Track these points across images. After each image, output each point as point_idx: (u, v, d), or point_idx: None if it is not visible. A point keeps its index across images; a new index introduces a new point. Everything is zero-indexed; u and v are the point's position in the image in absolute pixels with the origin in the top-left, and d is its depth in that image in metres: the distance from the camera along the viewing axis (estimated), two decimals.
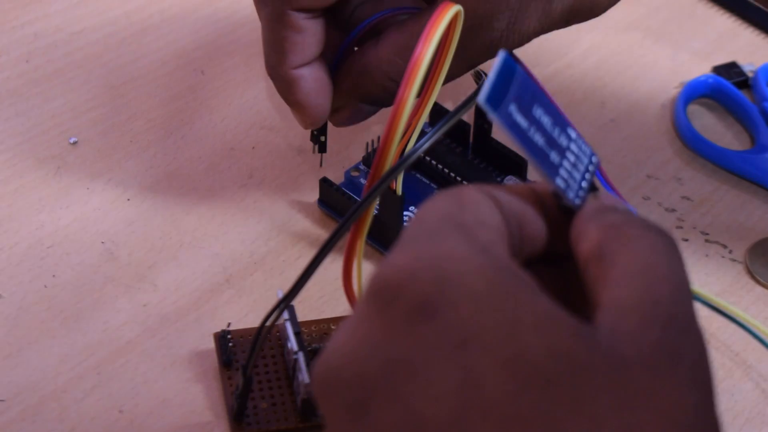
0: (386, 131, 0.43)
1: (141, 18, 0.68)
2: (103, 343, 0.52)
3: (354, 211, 0.43)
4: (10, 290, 0.54)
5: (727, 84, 0.65)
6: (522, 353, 0.33)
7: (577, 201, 0.40)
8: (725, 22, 0.70)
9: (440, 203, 0.38)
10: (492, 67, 0.39)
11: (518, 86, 0.39)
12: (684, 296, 0.36)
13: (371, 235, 0.55)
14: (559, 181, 0.39)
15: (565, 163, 0.40)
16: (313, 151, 0.58)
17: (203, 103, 0.63)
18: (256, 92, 0.64)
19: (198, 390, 0.51)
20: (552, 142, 0.40)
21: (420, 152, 0.44)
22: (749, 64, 0.66)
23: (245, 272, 0.55)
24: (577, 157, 0.41)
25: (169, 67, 0.65)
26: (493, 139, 0.58)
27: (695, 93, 0.65)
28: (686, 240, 0.58)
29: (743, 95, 0.64)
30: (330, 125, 0.56)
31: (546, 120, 0.40)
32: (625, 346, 0.34)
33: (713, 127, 0.64)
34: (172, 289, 0.55)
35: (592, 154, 0.42)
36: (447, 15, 0.43)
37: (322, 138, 0.56)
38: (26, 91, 0.63)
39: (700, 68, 0.67)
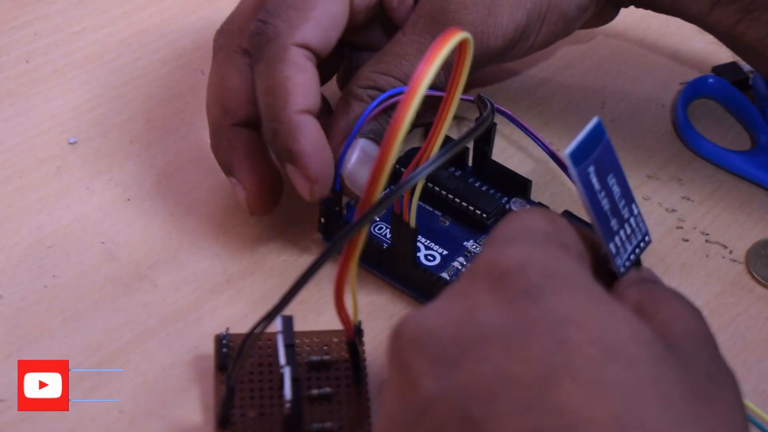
0: (381, 152, 0.42)
1: (141, 18, 0.68)
2: (103, 343, 0.52)
3: (340, 238, 0.42)
4: (10, 290, 0.54)
5: (727, 84, 0.65)
6: (612, 335, 0.37)
7: (622, 269, 0.45)
8: None
9: (539, 222, 0.42)
10: (584, 127, 0.43)
11: (601, 152, 0.43)
12: (716, 348, 0.41)
13: (383, 268, 0.54)
14: (612, 247, 0.44)
15: (622, 233, 0.45)
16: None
17: (203, 104, 0.63)
18: None
19: (198, 391, 0.51)
20: (615, 211, 0.44)
21: (420, 177, 0.44)
22: None
23: (245, 272, 0.55)
24: (633, 230, 0.45)
25: (169, 67, 0.65)
26: (493, 162, 0.58)
27: (695, 93, 0.65)
28: (686, 240, 0.58)
29: (743, 95, 0.64)
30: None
31: (616, 190, 0.44)
32: (687, 357, 0.39)
33: (713, 127, 0.64)
34: (172, 289, 0.54)
35: (647, 233, 0.46)
36: (450, 40, 0.41)
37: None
38: (26, 91, 0.63)
39: (700, 68, 0.67)
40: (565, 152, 0.42)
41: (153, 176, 0.59)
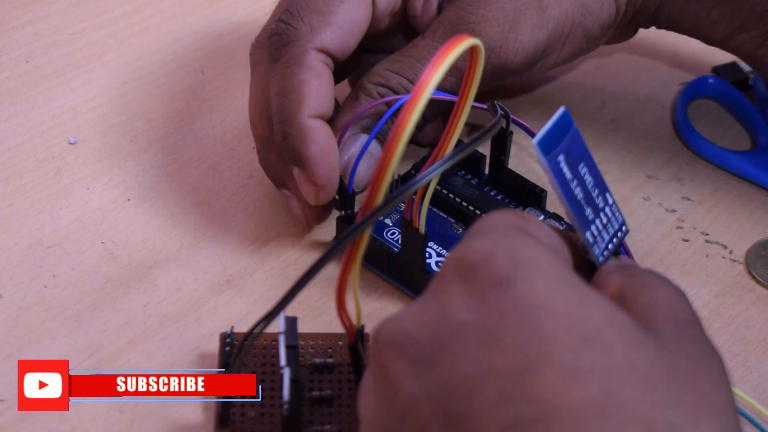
0: (384, 153, 0.41)
1: (141, 18, 0.68)
2: (103, 343, 0.52)
3: (343, 239, 0.42)
4: (10, 290, 0.54)
5: (727, 84, 0.65)
6: (586, 321, 0.38)
7: (601, 259, 0.45)
8: None
9: (507, 217, 0.42)
10: (551, 117, 0.43)
11: (570, 141, 0.43)
12: (700, 328, 0.41)
13: (393, 273, 0.54)
14: (588, 236, 0.44)
15: (598, 222, 0.45)
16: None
17: (203, 104, 0.63)
18: None
19: None
20: (590, 200, 0.44)
21: (423, 181, 0.43)
22: None
23: (245, 272, 0.55)
24: (609, 220, 0.45)
25: (169, 67, 0.65)
26: (509, 170, 0.57)
27: (695, 93, 0.65)
28: (686, 240, 0.58)
29: (743, 95, 0.64)
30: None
31: (589, 179, 0.44)
32: (668, 339, 0.39)
33: (713, 127, 0.64)
34: (172, 289, 0.55)
35: (624, 223, 0.46)
36: (458, 45, 0.41)
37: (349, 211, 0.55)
38: (26, 91, 0.63)
39: (700, 68, 0.67)
40: (533, 141, 0.42)
41: (153, 176, 0.59)
